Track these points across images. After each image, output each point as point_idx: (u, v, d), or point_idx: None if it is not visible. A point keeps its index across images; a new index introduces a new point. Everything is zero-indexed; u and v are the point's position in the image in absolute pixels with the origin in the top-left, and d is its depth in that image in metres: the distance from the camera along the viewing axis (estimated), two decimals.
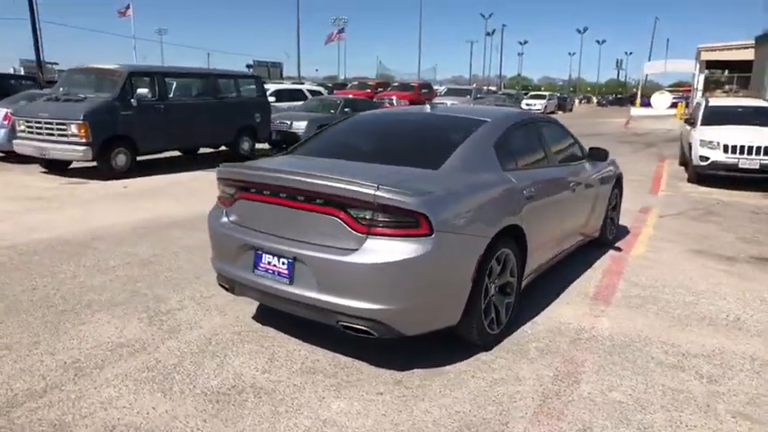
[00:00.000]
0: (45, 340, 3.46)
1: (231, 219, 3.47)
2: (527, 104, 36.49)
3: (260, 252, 3.21)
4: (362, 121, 4.50)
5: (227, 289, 3.59)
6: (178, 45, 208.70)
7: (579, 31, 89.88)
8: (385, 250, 2.84)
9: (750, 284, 4.85)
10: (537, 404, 2.89)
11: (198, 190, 8.64)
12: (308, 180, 3.01)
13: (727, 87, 25.86)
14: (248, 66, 43.08)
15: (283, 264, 3.11)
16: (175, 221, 6.54)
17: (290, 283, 3.08)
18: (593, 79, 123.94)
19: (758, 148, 9.49)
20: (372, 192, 2.82)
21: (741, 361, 3.42)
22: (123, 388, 2.93)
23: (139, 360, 3.23)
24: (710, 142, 9.92)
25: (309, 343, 3.47)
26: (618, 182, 6.04)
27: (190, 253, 5.32)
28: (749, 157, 9.55)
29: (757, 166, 9.52)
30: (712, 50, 24.65)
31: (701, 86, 25.00)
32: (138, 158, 9.92)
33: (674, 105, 32.29)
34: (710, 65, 24.89)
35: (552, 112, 39.07)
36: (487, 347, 3.46)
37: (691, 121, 11.29)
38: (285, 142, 14.16)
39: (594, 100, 73.75)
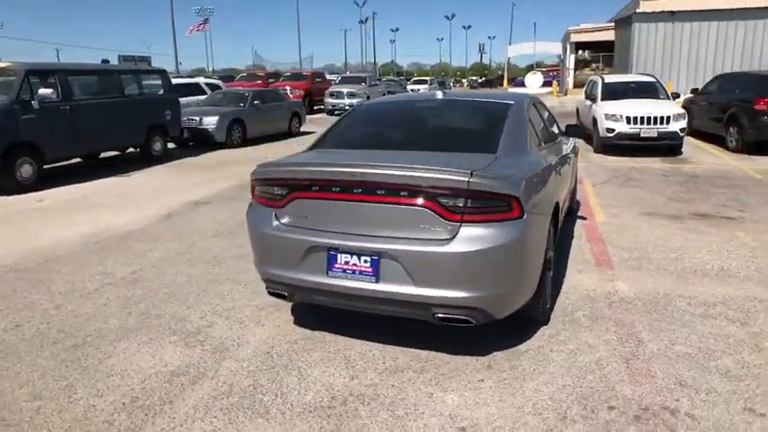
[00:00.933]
0: (79, 382, 2.98)
1: (285, 221, 3.21)
2: (411, 89, 37.49)
3: (334, 252, 3.02)
4: (380, 111, 4.38)
5: (282, 297, 3.33)
6: (21, 39, 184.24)
7: (447, 18, 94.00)
8: (482, 237, 2.82)
9: (710, 237, 5.47)
10: (624, 366, 3.06)
11: (129, 196, 7.84)
12: (393, 172, 2.88)
13: (594, 66, 28.76)
14: (104, 60, 39.32)
15: (366, 262, 2.95)
16: (130, 233, 5.90)
17: (377, 280, 2.94)
18: (460, 63, 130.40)
19: (655, 118, 10.65)
20: (466, 179, 2.78)
21: (752, 303, 3.88)
22: (215, 420, 2.62)
23: (208, 387, 2.91)
24: (614, 115, 10.94)
25: (373, 341, 3.35)
26: (576, 154, 6.47)
27: (172, 265, 4.84)
28: (649, 126, 10.68)
29: (656, 135, 10.69)
30: (580, 32, 27.21)
31: (572, 66, 27.50)
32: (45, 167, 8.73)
33: (546, 84, 35.21)
34: (579, 46, 27.45)
35: None
36: (546, 321, 3.57)
37: (592, 97, 12.35)
38: (194, 140, 13.29)
39: (465, 82, 77.66)
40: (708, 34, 18.61)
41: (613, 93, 11.91)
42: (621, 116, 10.84)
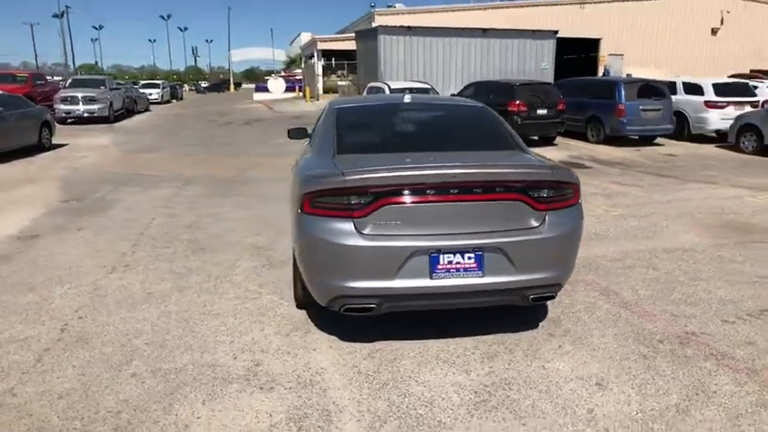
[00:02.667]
0: None
1: (371, 230, 3.06)
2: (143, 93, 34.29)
3: (436, 254, 3.05)
4: (373, 114, 4.32)
5: (365, 311, 3.16)
6: None
7: (163, 18, 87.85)
8: (562, 221, 3.25)
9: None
10: (630, 312, 3.87)
11: None
12: (488, 171, 3.09)
13: (339, 73, 30.93)
14: None
15: (470, 258, 3.08)
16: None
17: (483, 274, 3.09)
18: (175, 66, 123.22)
19: None
20: (550, 172, 3.17)
21: (643, 254, 5.18)
22: None
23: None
24: None
25: (435, 339, 3.45)
26: None
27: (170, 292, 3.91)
28: None
29: None
30: (326, 41, 28.88)
31: (320, 72, 29.07)
32: None
33: (288, 89, 36.28)
34: (326, 53, 29.12)
35: (169, 101, 37.91)
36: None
37: None
38: None
39: (186, 87, 73.99)
40: (437, 48, 22.08)
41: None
42: None
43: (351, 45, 26.37)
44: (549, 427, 2.60)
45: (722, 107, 13.84)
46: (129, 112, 23.99)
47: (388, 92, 13.45)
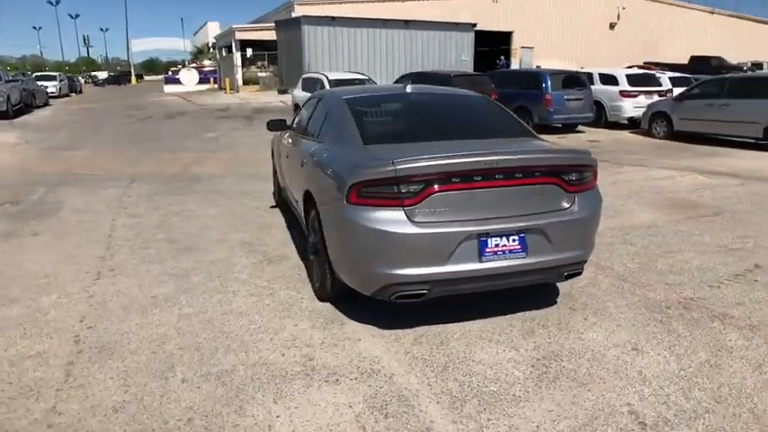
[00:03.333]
0: None
1: (422, 217, 3.11)
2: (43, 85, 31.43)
3: (485, 238, 3.17)
4: (384, 103, 4.30)
5: (416, 297, 3.21)
6: None
7: (52, 4, 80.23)
8: (588, 202, 3.49)
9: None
10: (630, 285, 4.21)
11: None
12: (529, 156, 3.25)
13: (260, 64, 29.91)
14: None
15: (514, 240, 3.23)
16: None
17: (526, 255, 3.25)
18: (71, 56, 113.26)
19: None
20: (580, 156, 3.39)
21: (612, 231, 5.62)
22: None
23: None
24: None
25: (469, 321, 3.59)
26: None
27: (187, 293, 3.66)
28: None
29: None
30: (245, 30, 27.79)
31: (239, 63, 28.02)
32: None
33: (203, 81, 34.67)
34: (245, 44, 28.04)
35: (67, 94, 35.10)
36: None
37: None
38: None
39: (82, 79, 68.53)
40: (361, 39, 22.11)
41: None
42: None
43: (270, 35, 25.75)
44: (613, 390, 2.82)
45: (635, 96, 15.08)
46: (27, 106, 21.91)
47: (326, 83, 13.36)
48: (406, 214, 3.12)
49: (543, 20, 29.91)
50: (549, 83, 14.19)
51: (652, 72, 16.64)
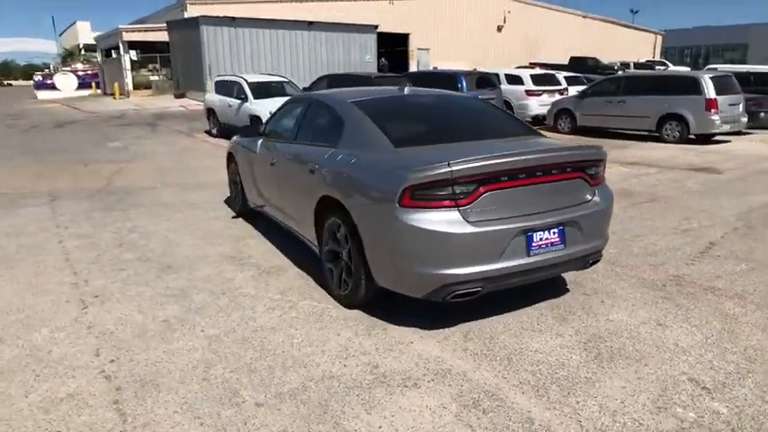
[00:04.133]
0: None
1: (476, 216, 3.19)
2: None
3: (531, 233, 3.32)
4: (398, 105, 4.28)
5: (470, 295, 3.28)
6: None
7: None
8: (606, 194, 3.78)
9: None
10: (633, 261, 4.61)
11: None
12: (563, 153, 3.46)
13: (151, 67, 27.84)
14: None
15: (554, 233, 3.41)
16: None
17: (565, 246, 3.46)
18: None
19: None
20: (598, 152, 3.66)
21: None
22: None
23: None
24: None
25: (502, 314, 3.74)
26: None
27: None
28: None
29: None
30: (133, 31, 25.70)
31: (128, 66, 25.88)
32: None
33: (83, 86, 31.64)
34: (134, 45, 25.90)
35: None
36: None
37: (240, 97, 12.90)
38: None
39: None
40: (264, 40, 21.53)
41: (261, 92, 12.91)
42: None
43: (161, 36, 24.25)
44: (664, 362, 3.10)
45: (539, 95, 16.25)
46: None
47: (246, 86, 12.90)
48: (461, 214, 3.18)
49: (437, 22, 31.11)
50: (465, 83, 14.85)
51: (552, 72, 18.00)
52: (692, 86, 12.36)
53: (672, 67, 34.62)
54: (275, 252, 5.15)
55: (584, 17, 38.10)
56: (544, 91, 16.29)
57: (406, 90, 4.62)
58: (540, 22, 35.32)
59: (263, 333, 3.54)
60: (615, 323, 3.61)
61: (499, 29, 33.50)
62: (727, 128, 12.34)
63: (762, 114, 14.37)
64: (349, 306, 3.85)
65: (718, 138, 12.71)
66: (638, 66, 34.97)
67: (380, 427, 2.59)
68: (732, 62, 50.76)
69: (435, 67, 29.45)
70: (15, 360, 3.24)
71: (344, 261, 3.85)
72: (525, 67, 24.44)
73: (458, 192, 3.18)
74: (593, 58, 32.96)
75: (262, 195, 5.51)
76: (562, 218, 3.46)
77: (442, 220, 3.16)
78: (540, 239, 3.38)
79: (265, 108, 12.05)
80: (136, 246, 5.43)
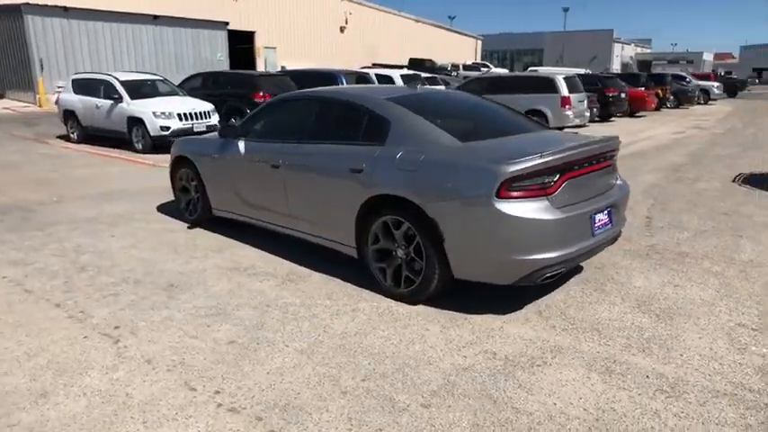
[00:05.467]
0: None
1: (560, 203, 3.47)
2: None
3: (593, 215, 3.70)
4: (432, 104, 4.27)
5: (552, 278, 3.56)
6: None
7: None
8: (622, 179, 4.32)
9: None
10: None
11: None
12: (608, 143, 3.90)
13: None
14: None
15: (606, 215, 3.85)
16: None
17: (612, 226, 3.91)
18: None
19: (200, 113, 11.54)
20: (618, 141, 4.19)
21: None
22: None
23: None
24: (164, 113, 11.02)
25: (555, 291, 4.11)
26: None
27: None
28: (199, 121, 11.47)
29: (205, 128, 11.60)
30: None
31: None
32: None
33: None
34: None
35: None
36: None
37: (113, 97, 11.49)
38: None
39: None
40: (104, 34, 19.14)
41: (136, 91, 11.67)
42: (172, 113, 11.09)
43: None
44: (708, 314, 3.72)
45: None
46: None
47: (118, 85, 11.53)
48: (550, 202, 3.44)
49: (283, 21, 30.71)
50: (345, 82, 15.05)
51: (418, 73, 19.03)
52: (549, 86, 14.16)
53: (493, 69, 38.79)
54: (275, 259, 4.86)
55: (417, 21, 40.69)
56: None
57: (419, 89, 4.72)
58: (377, 25, 36.88)
59: (355, 338, 3.42)
60: (643, 288, 4.18)
61: (342, 29, 34.21)
62: (577, 121, 14.38)
63: (593, 109, 16.96)
64: (414, 302, 3.88)
65: (567, 131, 14.73)
66: (466, 67, 38.50)
67: (554, 404, 2.75)
68: (533, 65, 58.13)
69: (283, 67, 29.12)
70: (95, 411, 2.71)
71: (402, 259, 3.87)
72: (369, 67, 25.36)
73: (546, 181, 3.44)
74: (430, 60, 35.45)
75: (246, 200, 5.14)
76: (608, 201, 3.91)
77: (537, 209, 3.39)
78: (599, 221, 3.80)
79: (148, 109, 10.98)
80: (102, 267, 4.70)
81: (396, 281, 3.96)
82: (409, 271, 3.85)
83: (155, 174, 9.10)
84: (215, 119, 11.90)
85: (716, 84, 31.16)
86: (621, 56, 71.61)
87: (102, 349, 3.31)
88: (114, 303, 3.96)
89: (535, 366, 3.09)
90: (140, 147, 11.21)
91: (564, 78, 14.24)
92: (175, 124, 11.09)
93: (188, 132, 11.28)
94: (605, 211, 3.87)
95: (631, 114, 20.47)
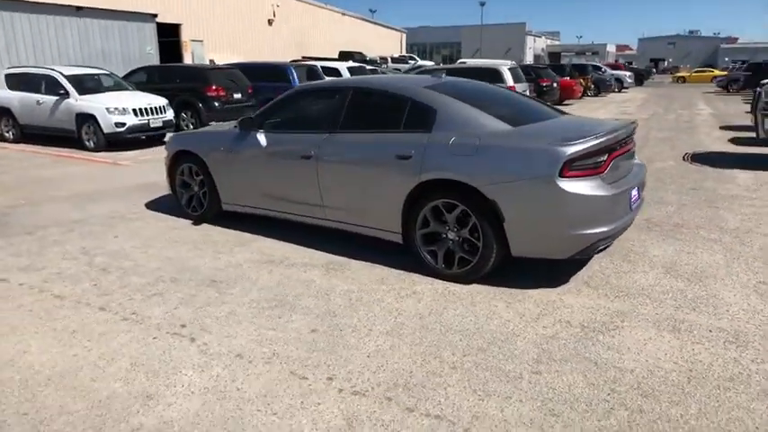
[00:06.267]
0: None
1: (608, 182, 3.74)
2: None
3: (630, 192, 4.01)
4: (468, 92, 4.37)
5: (600, 251, 3.84)
6: None
7: None
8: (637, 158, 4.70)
9: None
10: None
11: None
12: (632, 126, 4.24)
13: None
14: None
15: (636, 191, 4.17)
16: None
17: (640, 201, 4.28)
18: None
19: (155, 108, 10.99)
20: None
21: None
22: None
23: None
24: (118, 108, 10.41)
25: (580, 266, 4.42)
26: None
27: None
28: (154, 117, 10.93)
29: (161, 124, 11.09)
30: None
31: None
32: None
33: None
34: None
35: None
36: None
37: (60, 93, 10.66)
38: None
39: None
40: (22, 26, 17.52)
41: (84, 86, 10.91)
42: (127, 109, 10.51)
43: None
44: (733, 274, 4.15)
45: None
46: None
47: (62, 79, 10.71)
48: (602, 180, 3.71)
49: (210, 13, 29.52)
50: (296, 75, 14.85)
51: (362, 65, 19.03)
52: (496, 76, 14.67)
53: (420, 61, 39.50)
54: (305, 250, 4.84)
55: (343, 14, 40.50)
56: None
57: (446, 78, 4.85)
58: (305, 18, 36.37)
59: (432, 318, 3.53)
60: (662, 257, 4.58)
61: (270, 22, 33.41)
62: None
63: None
64: (468, 282, 4.03)
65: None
66: (394, 60, 38.89)
67: (647, 360, 3.00)
68: (451, 58, 59.33)
69: (212, 60, 28.16)
70: (216, 408, 2.65)
71: (454, 240, 4.02)
72: (299, 60, 25.04)
73: (599, 161, 3.70)
74: (360, 53, 35.45)
75: (267, 193, 5.06)
76: (637, 179, 4.24)
77: (593, 186, 3.65)
78: (633, 197, 4.11)
79: (101, 105, 10.33)
80: (126, 268, 4.49)
81: (447, 262, 4.10)
82: (465, 252, 4.00)
83: (121, 172, 8.62)
84: (170, 114, 11.40)
85: (628, 73, 33.57)
86: (534, 48, 75.07)
87: (182, 348, 3.21)
88: (164, 303, 3.82)
89: (612, 330, 3.35)
90: (92, 145, 10.52)
91: (509, 69, 14.85)
92: (131, 120, 10.51)
93: (144, 129, 10.80)
94: (636, 188, 4.20)
95: (560, 102, 21.67)
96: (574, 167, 3.61)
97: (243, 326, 3.48)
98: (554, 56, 72.57)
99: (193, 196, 5.80)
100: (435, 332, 3.36)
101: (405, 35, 51.03)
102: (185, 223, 5.75)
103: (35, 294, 4.00)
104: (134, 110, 10.58)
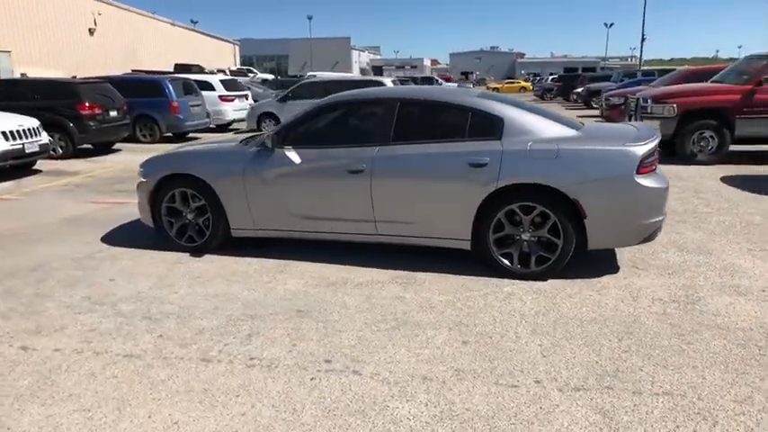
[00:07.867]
0: None
1: (660, 176, 4.32)
2: None
3: None
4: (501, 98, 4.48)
5: (656, 236, 4.38)
6: None
7: None
8: None
9: None
10: None
11: None
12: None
13: None
14: None
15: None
16: None
17: None
18: None
19: (29, 130, 9.33)
20: None
21: None
22: None
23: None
24: None
25: (610, 254, 4.99)
26: None
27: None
28: (30, 140, 9.26)
29: (38, 149, 9.42)
30: None
31: None
32: None
33: None
34: None
35: None
36: None
37: None
38: None
39: None
40: None
41: None
42: None
43: None
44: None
45: (232, 100, 16.35)
46: None
47: None
48: (657, 175, 4.26)
49: (18, 21, 25.38)
50: (173, 89, 13.70)
51: (236, 78, 18.14)
52: (381, 85, 15.21)
53: (260, 74, 38.80)
54: (358, 269, 4.65)
55: (173, 25, 37.89)
56: (236, 96, 16.51)
57: (470, 87, 5.02)
58: (132, 28, 33.30)
59: (554, 313, 3.72)
60: (688, 238, 5.33)
61: (91, 32, 29.89)
62: None
63: None
64: (544, 278, 4.30)
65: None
66: (232, 72, 37.62)
67: (743, 320, 3.57)
68: (279, 71, 59.11)
69: (23, 74, 24.43)
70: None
71: (528, 241, 4.27)
72: (129, 74, 23.07)
73: (653, 159, 4.25)
74: (198, 65, 33.62)
75: (301, 213, 4.76)
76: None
77: (656, 180, 4.18)
78: None
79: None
80: (169, 312, 3.90)
81: (523, 262, 4.33)
82: (544, 250, 4.26)
83: (23, 207, 7.20)
84: (45, 137, 9.76)
85: (455, 86, 36.93)
86: (359, 61, 78.35)
87: (357, 383, 2.95)
88: (272, 343, 3.42)
89: (695, 302, 3.89)
90: None
91: (392, 81, 15.50)
92: (2, 146, 8.77)
93: (20, 155, 9.10)
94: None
95: None
96: (644, 165, 4.10)
97: (392, 350, 3.30)
98: (377, 69, 76.49)
99: (187, 225, 5.17)
100: (571, 324, 3.56)
101: (238, 47, 49.56)
102: (182, 256, 5.10)
103: (98, 359, 3.28)
104: (3, 133, 8.85)
